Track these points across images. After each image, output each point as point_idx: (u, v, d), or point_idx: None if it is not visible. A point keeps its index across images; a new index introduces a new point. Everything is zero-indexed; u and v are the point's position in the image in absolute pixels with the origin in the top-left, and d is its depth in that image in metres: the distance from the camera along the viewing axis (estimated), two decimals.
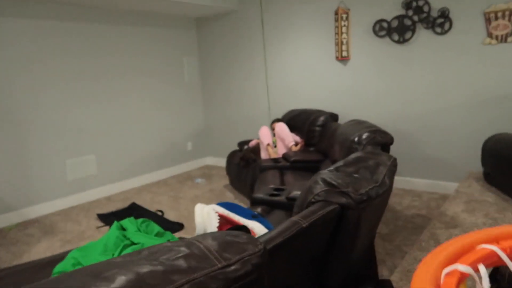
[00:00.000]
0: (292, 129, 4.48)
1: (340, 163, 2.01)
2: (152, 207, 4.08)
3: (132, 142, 4.91)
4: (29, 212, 3.91)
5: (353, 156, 2.09)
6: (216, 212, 2.01)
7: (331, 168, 1.97)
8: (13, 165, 3.78)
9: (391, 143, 2.77)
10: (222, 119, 5.77)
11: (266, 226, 1.97)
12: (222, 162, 5.90)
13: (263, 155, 4.11)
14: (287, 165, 3.59)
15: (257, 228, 1.93)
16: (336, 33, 4.30)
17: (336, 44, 4.34)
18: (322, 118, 4.06)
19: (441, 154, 3.94)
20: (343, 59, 4.34)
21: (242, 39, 5.24)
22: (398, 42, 3.98)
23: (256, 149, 4.23)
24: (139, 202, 4.29)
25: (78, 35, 4.26)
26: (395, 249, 2.82)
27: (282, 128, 4.02)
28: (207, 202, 4.16)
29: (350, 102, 4.43)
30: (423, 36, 3.85)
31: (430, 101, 3.92)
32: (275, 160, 3.75)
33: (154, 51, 5.12)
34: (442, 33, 3.74)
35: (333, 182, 1.64)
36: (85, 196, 4.39)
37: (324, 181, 1.68)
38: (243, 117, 5.50)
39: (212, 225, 1.94)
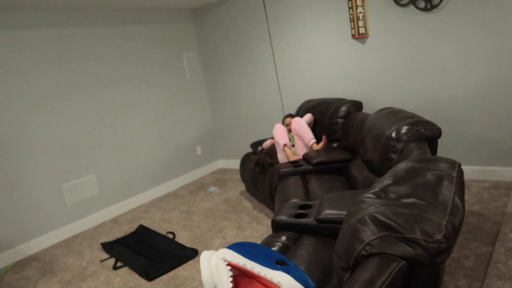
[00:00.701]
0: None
1: (387, 181, 1.48)
2: (162, 228, 3.63)
3: (135, 154, 4.45)
4: (27, 248, 3.51)
5: (402, 167, 1.55)
6: (227, 262, 1.51)
7: (377, 189, 1.44)
8: (3, 197, 3.37)
9: (439, 136, 2.21)
10: (231, 118, 5.26)
11: (297, 277, 1.47)
12: (235, 164, 5.41)
13: (280, 157, 3.59)
14: (310, 168, 3.07)
15: (286, 283, 1.43)
16: (350, 7, 3.71)
17: (351, 20, 3.75)
18: (344, 108, 3.51)
19: (489, 135, 3.35)
20: (360, 36, 3.75)
21: (244, 28, 4.69)
22: (425, 9, 3.37)
23: (272, 151, 3.71)
24: (148, 223, 3.85)
25: (64, 43, 3.79)
26: (454, 264, 2.28)
27: (299, 124, 3.48)
28: (223, 215, 3.69)
29: (374, 86, 3.85)
30: None
31: (471, 75, 3.31)
32: (295, 163, 3.23)
33: (149, 51, 4.62)
34: None
35: (390, 223, 1.12)
36: (88, 221, 3.97)
37: (376, 220, 1.16)
38: (255, 114, 4.97)
39: (223, 283, 1.44)
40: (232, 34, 4.83)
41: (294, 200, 2.52)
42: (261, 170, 3.53)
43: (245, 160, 4.05)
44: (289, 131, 3.82)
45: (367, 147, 2.62)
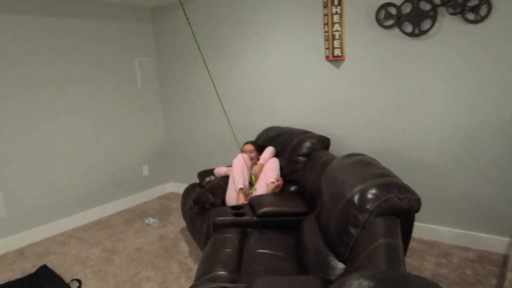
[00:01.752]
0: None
1: None
2: (70, 272, 2.90)
3: (62, 169, 3.72)
4: None
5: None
6: None
7: None
8: None
9: (417, 209, 1.59)
10: (187, 136, 4.58)
11: None
12: None
13: (230, 196, 2.92)
14: (253, 220, 2.41)
15: None
16: (326, 24, 3.12)
17: (326, 38, 3.16)
18: (307, 144, 2.88)
19: (476, 194, 2.77)
20: (335, 59, 3.16)
21: (209, 34, 4.04)
22: (412, 35, 2.81)
23: (219, 186, 3.04)
24: (57, 261, 3.10)
25: None
26: None
27: (274, 165, 2.92)
28: (150, 260, 2.99)
29: (346, 119, 3.25)
30: (448, 25, 2.68)
31: (459, 118, 2.75)
32: (238, 208, 2.56)
33: (96, 50, 3.92)
34: (476, 21, 2.57)
35: None
36: None
37: None
38: (212, 135, 4.31)
39: None
40: (192, 39, 4.18)
41: (219, 272, 1.85)
42: (200, 211, 2.85)
43: (188, 192, 3.37)
44: (251, 159, 3.19)
45: (324, 205, 1.99)
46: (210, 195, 2.90)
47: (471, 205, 2.80)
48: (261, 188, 2.88)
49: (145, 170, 4.58)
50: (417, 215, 3.00)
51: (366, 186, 1.67)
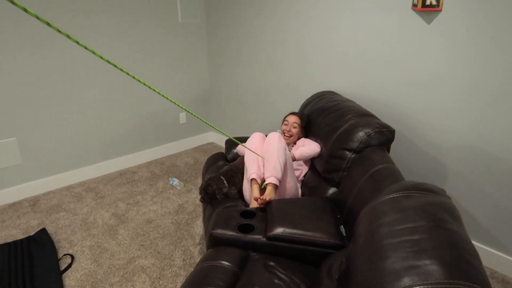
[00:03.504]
0: (308, 133, 2.55)
1: None
2: (70, 241, 2.60)
3: (86, 114, 3.34)
4: None
5: None
6: None
7: None
8: None
9: None
10: (232, 84, 3.88)
11: None
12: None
13: (245, 187, 2.27)
14: (262, 241, 1.76)
15: None
16: None
17: None
18: (360, 135, 2.03)
19: None
20: (426, 9, 2.12)
21: None
22: None
23: (239, 170, 2.39)
24: (64, 221, 2.82)
25: None
26: None
27: (313, 148, 2.32)
28: (155, 243, 2.58)
29: (429, 99, 2.29)
30: None
31: None
32: (249, 217, 1.92)
33: None
34: None
35: None
36: (0, 197, 3.03)
37: None
38: (259, 88, 3.57)
39: None
40: None
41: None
42: (209, 201, 2.27)
43: (209, 164, 2.78)
44: (291, 136, 2.52)
45: (352, 276, 1.26)
46: (225, 182, 2.28)
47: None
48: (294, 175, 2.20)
49: (182, 117, 4.05)
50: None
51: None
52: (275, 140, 2.12)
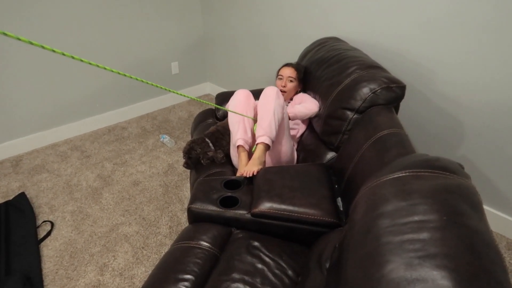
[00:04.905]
0: (305, 87, 2.24)
1: None
2: (51, 205, 2.43)
3: (70, 65, 3.04)
4: None
5: None
6: None
7: None
8: None
9: None
10: (228, 30, 3.49)
11: None
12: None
13: (233, 153, 2.02)
14: (246, 217, 1.54)
15: None
16: None
17: None
18: (364, 91, 1.72)
19: None
20: None
21: None
22: None
23: (225, 132, 2.12)
24: (46, 184, 2.65)
25: None
26: None
27: (311, 106, 2.01)
28: (140, 208, 2.42)
29: (457, 46, 1.94)
30: None
31: None
32: (233, 188, 1.69)
33: None
34: None
35: None
36: None
37: None
38: (257, 33, 3.19)
39: None
40: None
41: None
42: (193, 166, 2.04)
43: (198, 122, 2.52)
44: (287, 99, 2.24)
45: (346, 245, 1.04)
46: (211, 145, 2.03)
47: None
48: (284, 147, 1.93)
49: (175, 67, 3.73)
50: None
51: None
52: (273, 95, 1.83)
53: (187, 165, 2.00)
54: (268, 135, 1.75)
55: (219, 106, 1.70)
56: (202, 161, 1.99)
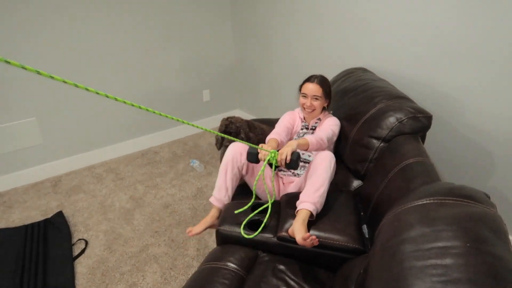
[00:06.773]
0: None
1: None
2: (86, 224, 2.56)
3: (107, 92, 3.22)
4: None
5: None
6: None
7: None
8: None
9: None
10: (261, 59, 3.64)
11: None
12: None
13: (251, 183, 2.04)
14: (272, 241, 1.58)
15: None
16: None
17: None
18: (391, 120, 1.77)
19: None
20: None
21: None
22: None
23: (261, 127, 2.27)
24: (82, 203, 2.79)
25: None
26: None
27: (333, 128, 1.99)
28: (169, 230, 2.48)
29: (485, 75, 1.96)
30: None
31: None
32: (259, 212, 1.74)
33: None
34: None
35: None
36: (22, 177, 3.03)
37: None
38: (291, 64, 3.31)
39: None
40: None
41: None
42: (226, 142, 2.22)
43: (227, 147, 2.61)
44: (315, 117, 2.11)
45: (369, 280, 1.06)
46: (248, 127, 2.14)
47: None
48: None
49: (206, 94, 3.89)
50: None
51: None
52: (327, 161, 1.67)
53: (224, 142, 2.11)
54: (317, 206, 1.57)
55: (230, 137, 1.43)
56: (241, 134, 2.07)
